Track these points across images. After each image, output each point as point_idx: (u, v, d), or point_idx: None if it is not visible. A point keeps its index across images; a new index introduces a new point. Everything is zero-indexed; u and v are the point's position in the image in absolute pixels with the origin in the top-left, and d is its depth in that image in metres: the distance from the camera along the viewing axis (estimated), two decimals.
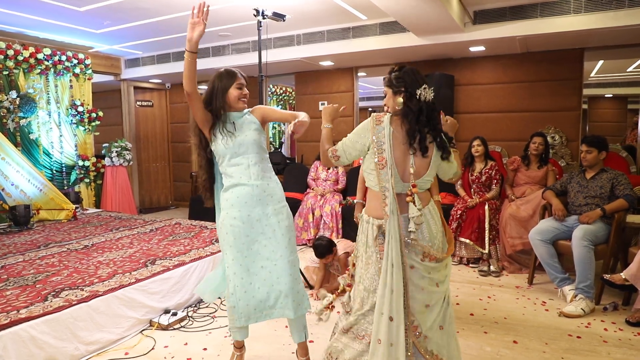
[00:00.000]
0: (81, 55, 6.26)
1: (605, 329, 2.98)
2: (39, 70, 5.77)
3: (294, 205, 5.60)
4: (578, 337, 2.88)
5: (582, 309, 3.18)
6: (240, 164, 2.29)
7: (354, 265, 2.09)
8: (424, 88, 1.90)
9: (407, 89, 1.91)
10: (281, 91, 9.46)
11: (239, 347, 2.54)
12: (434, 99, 1.93)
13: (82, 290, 2.94)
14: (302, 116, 2.16)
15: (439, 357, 1.91)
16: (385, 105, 2.07)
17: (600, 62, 7.55)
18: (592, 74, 8.86)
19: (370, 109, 12.68)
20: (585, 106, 10.03)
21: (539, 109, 5.27)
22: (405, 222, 1.87)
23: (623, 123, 10.04)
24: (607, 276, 3.17)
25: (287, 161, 7.02)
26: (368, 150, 1.95)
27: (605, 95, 10.28)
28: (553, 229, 3.60)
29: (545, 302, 3.47)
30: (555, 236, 3.58)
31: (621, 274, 3.09)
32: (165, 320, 3.13)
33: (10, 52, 5.38)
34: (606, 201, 3.50)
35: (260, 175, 2.32)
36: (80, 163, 6.26)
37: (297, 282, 2.35)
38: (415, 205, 1.85)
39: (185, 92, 2.25)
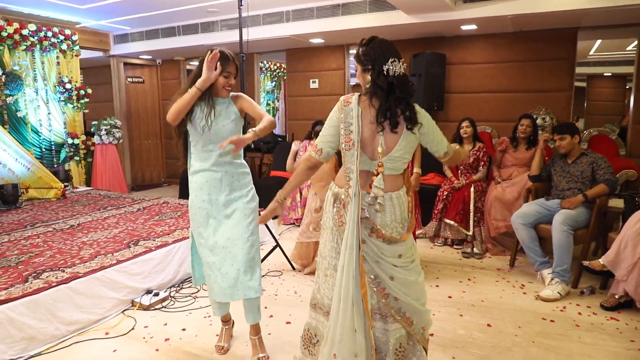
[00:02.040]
0: (68, 31, 6.16)
1: (580, 313, 3.01)
2: (25, 47, 5.68)
3: (283, 184, 5.59)
4: (552, 320, 2.92)
5: (558, 292, 3.21)
6: (213, 151, 2.33)
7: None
8: (392, 61, 1.79)
9: (374, 66, 1.81)
10: (275, 67, 9.35)
11: (226, 320, 2.68)
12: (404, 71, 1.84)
13: (63, 271, 2.96)
14: (257, 128, 2.25)
15: (410, 320, 1.91)
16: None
17: (599, 41, 7.43)
18: (591, 52, 8.74)
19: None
20: (584, 84, 9.94)
21: (530, 90, 5.21)
22: (365, 197, 1.86)
23: (621, 102, 9.95)
24: (586, 262, 3.20)
25: (279, 139, 6.98)
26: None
27: (604, 74, 10.16)
28: (535, 213, 3.61)
29: (524, 285, 3.51)
30: (537, 220, 3.59)
31: (599, 260, 3.11)
32: (146, 300, 3.17)
33: None
34: (588, 185, 3.50)
35: (230, 162, 2.37)
36: (70, 141, 6.24)
37: (256, 263, 2.40)
38: (376, 186, 1.82)
39: (168, 120, 2.30)
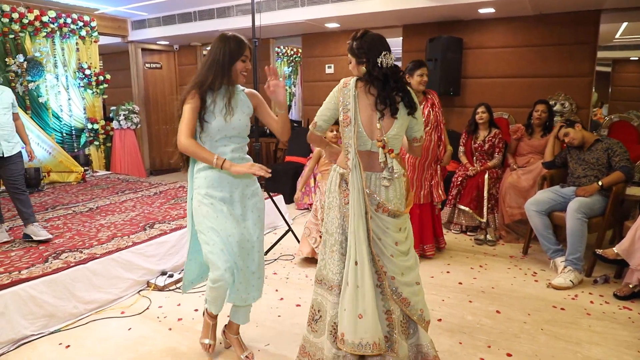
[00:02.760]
0: (86, 18, 6.25)
1: (592, 302, 2.99)
2: (45, 34, 5.79)
3: (298, 169, 5.64)
4: (562, 308, 2.90)
5: (570, 280, 3.19)
6: (227, 146, 2.18)
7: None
8: (384, 55, 1.95)
9: (368, 59, 1.96)
10: (292, 52, 9.32)
11: (214, 317, 2.45)
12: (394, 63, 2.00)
13: (81, 252, 3.07)
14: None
15: (407, 300, 2.04)
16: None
17: (625, 24, 7.18)
18: (616, 36, 8.46)
19: None
20: (608, 69, 9.66)
21: (550, 75, 5.09)
22: (368, 178, 2.00)
23: None
24: (599, 251, 3.15)
25: (294, 125, 7.00)
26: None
27: (631, 58, 9.84)
28: (549, 200, 3.56)
29: (536, 273, 3.48)
30: (551, 207, 3.55)
31: (613, 248, 3.07)
32: (161, 281, 3.26)
33: (15, 15, 5.40)
34: (605, 172, 3.43)
35: (242, 157, 2.25)
36: (90, 126, 6.37)
37: (263, 263, 2.38)
38: (388, 164, 1.99)
39: (180, 149, 2.17)
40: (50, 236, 3.38)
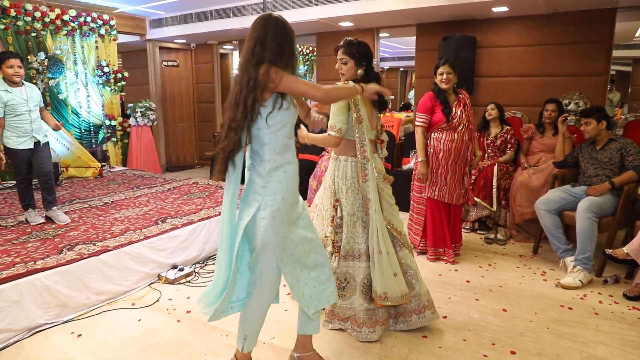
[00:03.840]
0: (106, 16, 6.38)
1: (600, 302, 2.96)
2: (66, 32, 5.93)
3: (310, 167, 5.68)
4: (570, 308, 2.88)
5: (580, 280, 3.16)
6: (291, 138, 1.95)
7: (335, 207, 2.53)
8: (373, 59, 2.48)
9: (367, 62, 2.44)
10: (308, 51, 9.36)
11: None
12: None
13: (95, 245, 3.15)
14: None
15: (398, 229, 2.57)
16: (340, 71, 2.51)
17: None
18: (637, 34, 8.29)
19: (401, 69, 12.37)
20: (629, 69, 9.46)
21: (564, 74, 5.03)
22: (375, 160, 2.52)
23: None
24: (609, 251, 3.12)
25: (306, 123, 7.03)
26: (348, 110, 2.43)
27: None
28: (559, 199, 3.53)
29: (545, 272, 3.46)
30: (562, 206, 3.52)
31: (623, 248, 3.03)
32: (172, 275, 3.33)
33: (38, 14, 5.55)
34: (617, 172, 3.39)
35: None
36: (107, 122, 6.50)
37: None
38: (384, 147, 2.60)
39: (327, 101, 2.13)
40: (68, 220, 3.73)
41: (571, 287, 3.15)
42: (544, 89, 5.08)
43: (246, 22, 6.23)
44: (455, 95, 3.59)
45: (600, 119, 3.46)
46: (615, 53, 5.13)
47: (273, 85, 1.82)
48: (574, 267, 3.26)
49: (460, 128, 3.53)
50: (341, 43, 2.51)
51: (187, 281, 3.34)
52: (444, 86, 3.51)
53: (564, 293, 3.10)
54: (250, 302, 2.01)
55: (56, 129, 4.02)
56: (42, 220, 3.75)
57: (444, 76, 3.48)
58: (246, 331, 2.04)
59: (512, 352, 2.39)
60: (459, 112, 3.53)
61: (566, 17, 4.90)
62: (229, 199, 1.96)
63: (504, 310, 2.86)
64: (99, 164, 5.73)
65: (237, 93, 1.84)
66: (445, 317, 2.77)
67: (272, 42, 1.85)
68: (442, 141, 3.56)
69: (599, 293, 3.09)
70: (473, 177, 4.36)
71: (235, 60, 9.10)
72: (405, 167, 5.46)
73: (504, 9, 4.84)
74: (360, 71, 2.44)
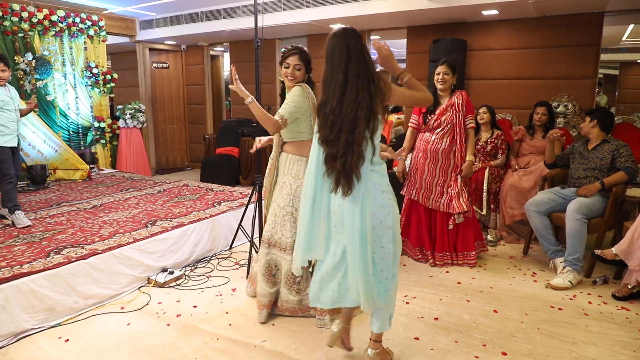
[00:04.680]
0: (95, 17, 6.33)
1: (590, 302, 2.98)
2: (54, 32, 5.87)
3: None
4: (560, 309, 2.90)
5: (569, 281, 3.18)
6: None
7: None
8: None
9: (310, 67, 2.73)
10: None
11: None
12: None
13: (83, 248, 3.11)
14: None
15: None
16: (288, 75, 2.65)
17: (632, 26, 7.13)
18: (623, 38, 8.40)
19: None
20: (616, 72, 9.58)
21: (553, 76, 5.08)
22: None
23: None
24: (598, 251, 3.15)
25: None
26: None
27: (638, 61, 9.76)
28: (549, 201, 3.55)
29: (535, 273, 3.48)
30: (551, 208, 3.54)
31: (612, 249, 3.06)
32: (161, 278, 3.30)
33: (25, 14, 5.49)
34: (605, 174, 3.42)
35: None
36: (96, 124, 6.44)
37: None
38: None
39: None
40: (30, 223, 3.70)
41: (561, 288, 3.17)
42: (534, 91, 5.13)
43: (237, 23, 6.22)
44: (450, 96, 3.57)
45: (593, 119, 3.52)
46: (603, 57, 5.18)
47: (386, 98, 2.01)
48: (564, 268, 3.28)
49: (438, 130, 3.53)
50: (292, 49, 2.67)
51: (177, 284, 3.31)
52: (439, 86, 3.52)
53: (554, 294, 3.12)
54: (394, 282, 2.13)
55: (33, 106, 4.33)
56: (30, 223, 3.70)
57: (440, 76, 3.51)
58: (392, 310, 2.21)
59: (504, 353, 2.39)
60: (442, 115, 3.51)
61: (555, 21, 4.96)
62: (359, 209, 1.99)
63: (495, 311, 2.87)
64: (88, 166, 5.67)
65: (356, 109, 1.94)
66: (436, 318, 2.78)
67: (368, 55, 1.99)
68: (421, 142, 3.64)
69: (588, 294, 3.12)
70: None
71: (226, 62, 9.06)
72: (395, 168, 5.47)
73: (494, 12, 4.88)
74: (306, 76, 2.71)
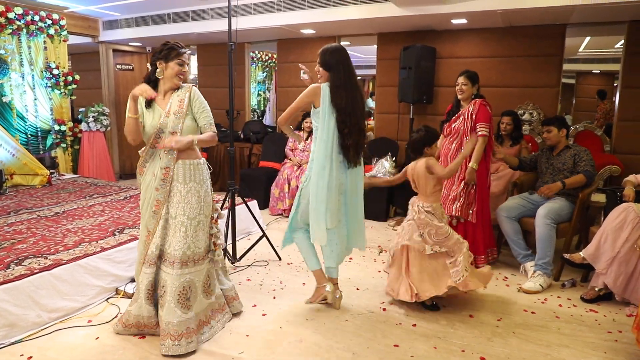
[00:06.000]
0: (55, 16, 6.06)
1: (560, 305, 3.06)
2: (11, 31, 5.58)
3: (272, 175, 5.60)
4: (533, 312, 2.96)
5: (540, 285, 3.26)
6: None
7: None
8: None
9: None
10: (267, 57, 9.29)
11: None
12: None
13: (46, 258, 2.94)
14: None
15: None
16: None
17: (588, 38, 7.47)
18: (580, 49, 8.80)
19: (359, 77, 12.51)
20: (573, 81, 10.01)
21: (519, 85, 5.24)
22: None
23: (609, 100, 10.03)
24: (567, 255, 3.25)
25: (268, 130, 6.96)
26: None
27: (593, 71, 10.24)
28: (519, 206, 3.65)
29: (507, 278, 3.55)
30: (521, 213, 3.64)
31: (580, 253, 3.16)
32: (131, 288, 3.15)
33: None
34: (569, 177, 3.55)
35: None
36: (57, 127, 6.16)
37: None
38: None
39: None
40: None
41: (532, 292, 3.25)
42: (501, 99, 5.26)
43: (207, 26, 6.11)
44: (468, 105, 3.65)
45: (560, 127, 3.64)
46: None
47: None
48: (534, 272, 3.37)
49: (451, 137, 3.66)
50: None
51: None
52: (459, 96, 3.67)
53: (526, 297, 3.19)
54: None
55: None
56: None
57: (459, 87, 3.65)
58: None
59: (482, 358, 2.42)
60: (454, 123, 3.65)
61: (521, 31, 5.12)
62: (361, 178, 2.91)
63: (471, 316, 2.90)
64: (48, 171, 5.40)
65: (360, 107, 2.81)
66: (414, 324, 2.78)
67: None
68: (443, 148, 3.72)
69: (558, 297, 3.20)
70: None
71: (194, 65, 8.88)
72: (367, 174, 5.49)
73: (463, 21, 4.99)
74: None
